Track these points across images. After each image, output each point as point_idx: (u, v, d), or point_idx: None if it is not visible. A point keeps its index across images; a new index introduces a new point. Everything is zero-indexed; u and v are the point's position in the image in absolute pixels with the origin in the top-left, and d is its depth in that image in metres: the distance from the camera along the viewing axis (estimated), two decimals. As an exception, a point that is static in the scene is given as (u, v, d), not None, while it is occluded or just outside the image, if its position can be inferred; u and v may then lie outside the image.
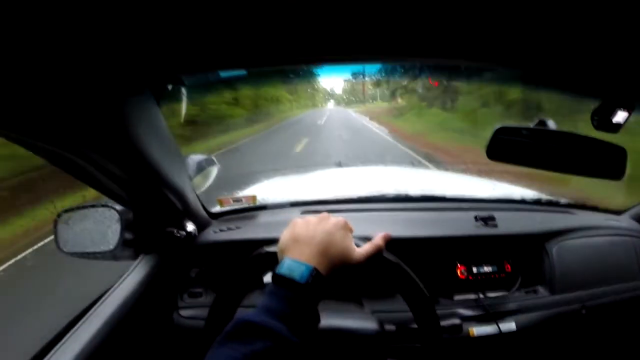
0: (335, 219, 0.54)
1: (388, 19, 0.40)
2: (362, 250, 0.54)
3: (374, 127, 11.90)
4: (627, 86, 0.52)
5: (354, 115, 17.60)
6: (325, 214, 0.56)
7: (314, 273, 0.46)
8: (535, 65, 0.52)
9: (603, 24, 0.38)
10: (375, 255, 0.55)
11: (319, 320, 0.48)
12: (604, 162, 0.67)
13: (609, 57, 0.46)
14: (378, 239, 0.56)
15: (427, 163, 5.71)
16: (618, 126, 0.58)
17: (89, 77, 0.47)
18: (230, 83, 0.64)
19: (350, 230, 0.55)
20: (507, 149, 0.67)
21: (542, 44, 0.45)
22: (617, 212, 1.17)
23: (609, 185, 0.72)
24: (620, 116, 0.57)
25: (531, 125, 0.66)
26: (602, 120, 0.58)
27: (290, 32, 0.42)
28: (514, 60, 0.51)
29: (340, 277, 0.51)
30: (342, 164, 1.90)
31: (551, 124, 0.67)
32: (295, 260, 0.48)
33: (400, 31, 0.42)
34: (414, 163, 5.49)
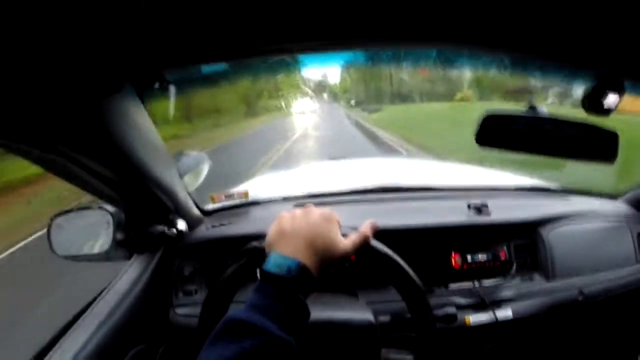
0: (320, 211, 0.53)
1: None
2: (348, 240, 0.53)
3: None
4: (618, 68, 0.52)
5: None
6: (310, 206, 0.55)
7: (301, 267, 0.46)
8: (525, 49, 0.51)
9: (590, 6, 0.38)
10: (363, 245, 0.54)
11: (308, 315, 0.47)
12: (597, 146, 0.66)
13: (598, 40, 0.45)
14: (364, 228, 0.55)
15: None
16: (609, 110, 0.57)
17: (67, 74, 0.46)
18: (213, 79, 0.63)
19: (337, 221, 0.54)
20: (497, 135, 0.66)
21: (533, 25, 0.44)
22: (612, 197, 1.17)
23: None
24: (611, 99, 0.56)
25: (521, 110, 0.65)
26: (593, 104, 0.57)
27: (273, 16, 0.41)
28: (505, 44, 0.50)
29: (329, 269, 0.50)
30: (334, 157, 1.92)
31: (542, 109, 0.67)
32: (282, 255, 0.47)
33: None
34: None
